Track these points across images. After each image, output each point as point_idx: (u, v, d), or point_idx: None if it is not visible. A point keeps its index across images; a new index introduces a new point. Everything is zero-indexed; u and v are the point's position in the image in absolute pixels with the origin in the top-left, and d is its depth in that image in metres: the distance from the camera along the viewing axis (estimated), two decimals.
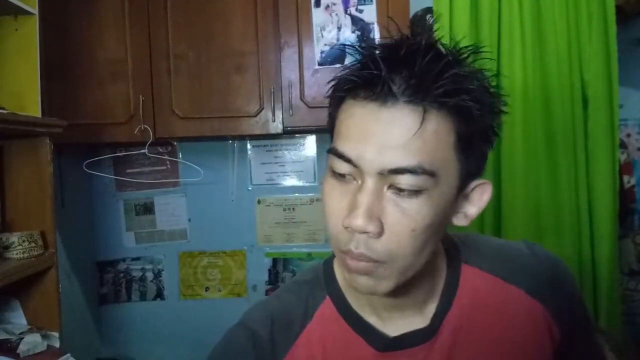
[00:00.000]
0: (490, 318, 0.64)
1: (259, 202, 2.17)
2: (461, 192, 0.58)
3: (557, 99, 1.57)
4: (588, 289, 1.57)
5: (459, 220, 0.60)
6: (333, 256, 0.68)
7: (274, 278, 2.16)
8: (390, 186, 0.53)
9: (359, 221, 0.52)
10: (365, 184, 0.53)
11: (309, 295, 0.67)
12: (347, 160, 0.53)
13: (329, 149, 0.57)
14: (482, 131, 0.56)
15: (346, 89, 0.56)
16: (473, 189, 0.59)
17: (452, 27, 1.57)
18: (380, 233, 0.53)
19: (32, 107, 1.31)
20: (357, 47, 0.56)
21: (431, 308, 0.63)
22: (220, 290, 2.20)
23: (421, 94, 0.51)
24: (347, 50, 0.60)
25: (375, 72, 0.52)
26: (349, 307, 0.64)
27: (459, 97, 0.52)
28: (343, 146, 0.54)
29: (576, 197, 1.58)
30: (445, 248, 0.66)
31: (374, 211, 0.52)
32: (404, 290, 0.59)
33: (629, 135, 2.02)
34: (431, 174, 0.52)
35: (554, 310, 0.66)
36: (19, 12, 1.29)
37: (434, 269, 0.64)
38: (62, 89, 1.72)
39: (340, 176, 0.55)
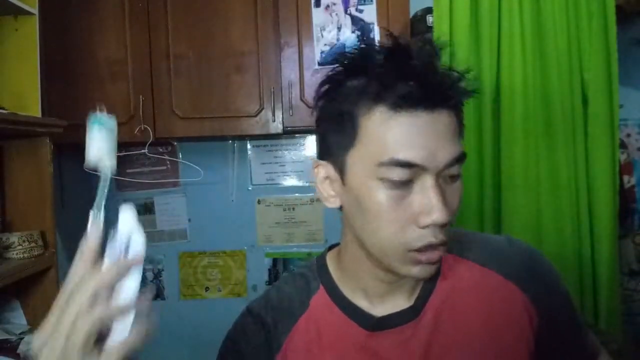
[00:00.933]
0: (471, 300, 0.70)
1: (259, 202, 2.17)
2: None
3: (557, 99, 1.57)
4: (588, 289, 1.57)
5: None
6: (326, 252, 0.77)
7: (274, 278, 2.16)
8: (443, 177, 0.61)
9: (443, 217, 0.58)
10: (427, 182, 0.59)
11: (304, 286, 0.73)
12: (414, 165, 0.58)
13: (383, 161, 0.59)
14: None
15: (374, 99, 0.60)
16: None
17: (452, 27, 1.57)
18: (454, 219, 0.62)
19: (32, 107, 1.31)
20: (369, 49, 0.62)
21: (417, 291, 0.70)
22: (220, 290, 2.20)
23: (446, 101, 0.60)
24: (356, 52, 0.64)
25: (413, 87, 0.58)
26: (341, 294, 0.71)
27: (461, 101, 0.63)
28: (407, 154, 0.58)
29: (576, 197, 1.58)
30: None
31: (445, 203, 0.59)
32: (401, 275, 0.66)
33: (629, 135, 2.02)
34: (466, 156, 0.62)
35: (532, 294, 0.70)
36: (19, 12, 1.29)
37: None
38: (62, 89, 1.72)
39: (401, 184, 0.59)
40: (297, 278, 0.75)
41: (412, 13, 1.77)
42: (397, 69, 0.59)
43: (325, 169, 0.66)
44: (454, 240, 0.71)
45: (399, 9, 1.73)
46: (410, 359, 0.67)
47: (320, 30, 1.75)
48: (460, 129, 0.63)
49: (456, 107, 0.62)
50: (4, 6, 1.25)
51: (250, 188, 2.17)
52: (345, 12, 1.75)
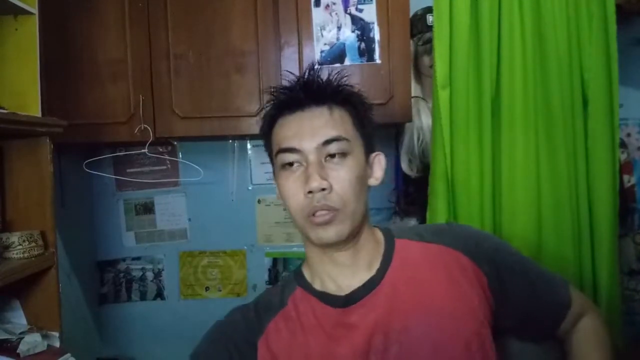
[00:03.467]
0: (422, 269, 0.85)
1: (259, 201, 2.17)
2: (367, 162, 0.86)
3: (557, 99, 1.57)
4: (588, 289, 1.57)
5: (372, 182, 0.88)
6: (300, 265, 0.94)
7: (274, 278, 2.16)
8: (326, 157, 0.81)
9: (315, 183, 0.78)
10: (309, 161, 0.80)
11: (283, 288, 0.91)
12: (293, 149, 0.81)
13: (276, 152, 0.84)
14: (361, 114, 0.87)
15: (275, 113, 0.86)
16: (373, 159, 0.88)
17: (452, 27, 1.57)
18: (331, 188, 0.79)
19: (32, 107, 1.31)
20: (276, 89, 0.87)
21: (375, 267, 0.86)
22: (221, 290, 2.20)
23: (320, 98, 0.84)
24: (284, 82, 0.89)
25: (292, 96, 0.84)
26: (312, 287, 0.88)
27: (340, 95, 0.85)
28: (287, 143, 0.82)
29: (576, 197, 1.57)
30: (381, 231, 0.91)
31: (322, 175, 0.79)
32: (354, 251, 0.85)
33: (629, 135, 2.02)
34: (347, 139, 0.82)
35: (472, 255, 0.86)
36: (19, 12, 1.29)
37: (375, 240, 0.89)
38: (62, 89, 1.72)
39: (289, 165, 0.82)
40: (277, 286, 0.94)
41: (412, 12, 1.77)
42: (284, 90, 0.86)
43: (274, 177, 0.89)
44: (407, 229, 0.94)
45: (399, 8, 1.73)
46: (377, 325, 0.81)
47: (320, 30, 1.75)
48: (345, 120, 0.83)
49: (331, 104, 0.83)
50: (4, 6, 1.24)
51: (250, 188, 2.17)
52: (345, 11, 1.75)
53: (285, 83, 0.88)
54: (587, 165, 1.58)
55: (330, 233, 0.80)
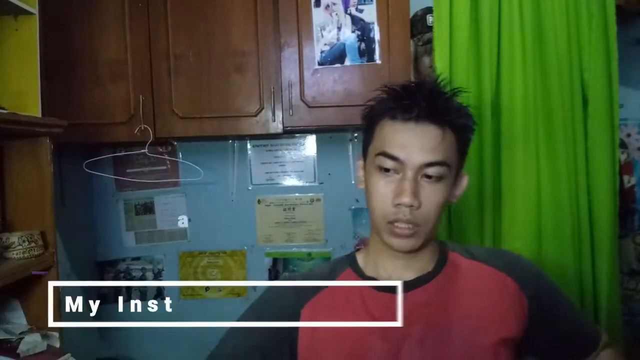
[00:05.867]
0: (468, 282, 0.90)
1: (259, 202, 2.17)
2: (454, 182, 0.89)
3: (557, 99, 1.57)
4: (588, 289, 1.57)
5: (451, 200, 0.90)
6: (354, 251, 0.97)
7: (274, 278, 2.16)
8: (423, 175, 0.83)
9: (408, 199, 0.81)
10: (407, 175, 0.82)
11: (335, 267, 0.95)
12: (395, 159, 0.82)
13: (379, 153, 0.84)
14: (467, 139, 0.89)
15: (383, 114, 0.86)
16: (459, 179, 0.90)
17: (452, 27, 1.57)
18: (419, 206, 0.82)
19: (32, 107, 1.31)
20: (391, 86, 0.86)
21: (428, 269, 0.90)
22: (220, 290, 2.20)
23: (439, 117, 0.83)
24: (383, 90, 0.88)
25: (411, 102, 0.82)
26: (364, 273, 0.92)
27: (459, 120, 0.85)
28: (392, 150, 0.83)
29: (576, 197, 1.58)
30: (437, 242, 0.95)
31: (415, 192, 0.81)
32: (414, 255, 0.88)
33: (629, 135, 2.02)
34: (448, 165, 0.83)
35: (519, 280, 0.90)
36: (19, 12, 1.29)
37: (433, 249, 0.93)
38: (62, 89, 1.72)
39: (386, 170, 0.84)
40: (327, 264, 0.98)
41: (412, 13, 1.77)
42: (404, 93, 0.84)
43: (361, 162, 0.92)
44: (458, 246, 0.97)
45: (399, 8, 1.73)
46: (419, 315, 0.86)
47: (320, 30, 1.75)
48: (451, 145, 0.84)
49: (446, 126, 0.83)
50: (4, 6, 1.24)
51: (250, 188, 2.17)
52: (345, 11, 1.75)
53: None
54: (587, 166, 1.58)
55: (406, 245, 0.84)
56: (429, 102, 0.82)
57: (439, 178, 0.83)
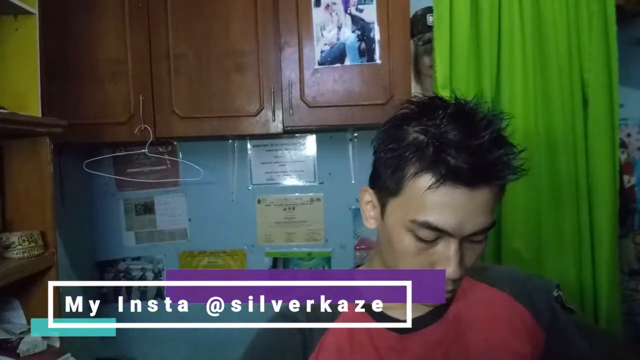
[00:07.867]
0: (481, 311, 0.81)
1: (259, 201, 2.17)
2: None
3: (557, 99, 1.57)
4: (588, 289, 1.57)
5: None
6: (355, 268, 0.87)
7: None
8: (466, 239, 0.69)
9: (456, 274, 0.69)
10: (451, 244, 0.68)
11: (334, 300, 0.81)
12: (440, 230, 0.67)
13: (417, 221, 0.67)
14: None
15: (423, 169, 0.66)
16: None
17: (452, 27, 1.57)
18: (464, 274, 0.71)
19: (32, 107, 1.31)
20: (430, 126, 0.67)
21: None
22: None
23: (492, 179, 0.66)
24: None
25: (467, 166, 0.63)
26: (373, 309, 0.80)
27: (516, 176, 0.69)
28: (439, 222, 0.66)
29: (576, 197, 1.58)
30: None
31: (462, 261, 0.69)
32: None
33: (629, 135, 2.02)
34: (494, 223, 0.70)
35: (532, 309, 0.82)
36: (19, 12, 1.29)
37: None
38: (62, 89, 1.72)
39: (427, 240, 0.68)
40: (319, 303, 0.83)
41: (412, 12, 1.77)
42: (454, 141, 0.64)
43: (370, 196, 0.75)
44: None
45: (399, 8, 1.73)
46: (434, 355, 0.77)
47: (320, 30, 1.75)
48: (498, 199, 0.70)
49: (500, 185, 0.68)
50: (4, 6, 1.24)
51: (250, 188, 2.17)
52: (345, 11, 1.75)
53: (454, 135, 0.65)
54: (587, 166, 1.58)
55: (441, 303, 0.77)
56: (489, 161, 0.64)
57: (483, 239, 0.71)
